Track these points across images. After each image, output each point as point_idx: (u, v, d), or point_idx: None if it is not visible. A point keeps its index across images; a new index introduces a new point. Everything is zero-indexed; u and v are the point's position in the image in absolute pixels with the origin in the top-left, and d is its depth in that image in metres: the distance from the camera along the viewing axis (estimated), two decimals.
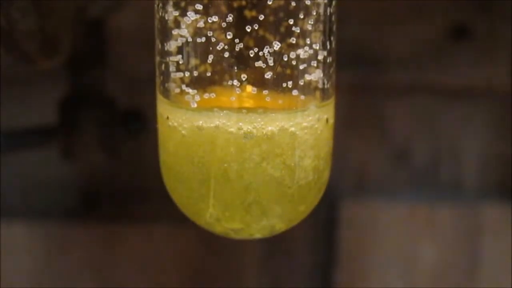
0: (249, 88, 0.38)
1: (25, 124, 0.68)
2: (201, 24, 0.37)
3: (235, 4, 0.37)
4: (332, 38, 0.39)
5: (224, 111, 0.38)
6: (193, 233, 0.76)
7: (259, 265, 0.79)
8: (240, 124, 0.38)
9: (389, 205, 0.78)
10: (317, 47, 0.38)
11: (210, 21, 0.37)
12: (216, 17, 0.37)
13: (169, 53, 0.39)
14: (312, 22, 0.38)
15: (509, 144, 0.78)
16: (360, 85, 0.76)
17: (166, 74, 0.39)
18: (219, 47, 0.37)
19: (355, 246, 0.79)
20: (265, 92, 0.38)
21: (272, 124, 0.38)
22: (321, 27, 0.38)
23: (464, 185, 0.79)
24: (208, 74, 0.38)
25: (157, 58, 0.40)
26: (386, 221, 0.78)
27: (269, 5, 0.37)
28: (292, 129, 0.39)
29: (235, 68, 0.37)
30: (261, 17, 0.37)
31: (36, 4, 0.51)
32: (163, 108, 0.40)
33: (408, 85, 0.77)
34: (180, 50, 0.38)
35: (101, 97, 0.67)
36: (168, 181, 0.42)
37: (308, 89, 0.39)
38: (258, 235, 0.41)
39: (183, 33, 0.38)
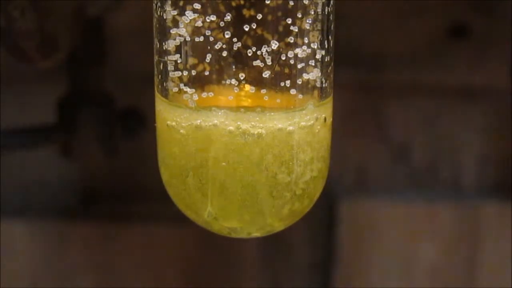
0: (247, 87, 0.38)
1: (25, 123, 0.68)
2: (199, 23, 0.37)
3: (233, 3, 0.37)
4: (330, 37, 0.39)
5: (222, 110, 0.38)
6: (192, 232, 0.76)
7: (258, 265, 0.79)
8: (238, 123, 0.38)
9: (388, 204, 0.78)
10: (315, 46, 0.38)
11: (208, 20, 0.37)
12: (214, 16, 0.37)
13: (167, 52, 0.39)
14: (310, 21, 0.38)
15: (508, 143, 0.78)
16: (359, 84, 0.76)
17: (164, 73, 0.39)
18: (217, 46, 0.37)
19: (354, 245, 0.79)
20: (263, 91, 0.38)
21: (270, 123, 0.38)
22: (319, 26, 0.38)
23: (463, 184, 0.79)
24: (206, 73, 0.38)
25: (156, 57, 0.40)
26: (385, 220, 0.78)
27: (267, 4, 0.37)
28: (290, 128, 0.39)
29: (233, 67, 0.38)
30: (259, 16, 0.37)
31: (35, 3, 0.52)
32: (162, 107, 0.40)
33: (407, 84, 0.77)
34: (178, 49, 0.38)
35: (100, 96, 0.67)
36: (166, 180, 0.42)
37: (306, 88, 0.39)
38: (256, 234, 0.41)
39: (181, 32, 0.38)
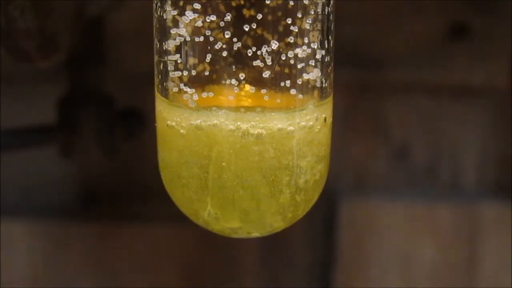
0: (247, 87, 0.38)
1: (25, 123, 0.68)
2: (199, 23, 0.37)
3: (233, 3, 0.37)
4: (330, 37, 0.39)
5: (222, 110, 0.38)
6: (192, 232, 0.76)
7: (258, 265, 0.79)
8: (238, 123, 0.38)
9: (388, 205, 0.78)
10: (315, 46, 0.38)
11: (208, 20, 0.37)
12: (214, 16, 0.37)
13: (167, 52, 0.39)
14: (310, 21, 0.38)
15: (508, 143, 0.78)
16: (359, 84, 0.76)
17: (164, 73, 0.39)
18: (217, 46, 0.37)
19: (354, 245, 0.79)
20: (263, 91, 0.38)
21: (270, 123, 0.38)
22: (319, 26, 0.38)
23: (463, 184, 0.79)
24: (206, 73, 0.38)
25: (156, 57, 0.40)
26: (385, 220, 0.78)
27: (267, 4, 0.37)
28: (290, 128, 0.39)
29: (233, 67, 0.37)
30: (259, 16, 0.37)
31: (35, 3, 0.52)
32: (162, 107, 0.40)
33: (407, 84, 0.77)
34: (178, 49, 0.38)
35: (100, 96, 0.67)
36: (166, 180, 0.42)
37: (306, 88, 0.39)
38: (256, 234, 0.41)
39: (181, 32, 0.38)
